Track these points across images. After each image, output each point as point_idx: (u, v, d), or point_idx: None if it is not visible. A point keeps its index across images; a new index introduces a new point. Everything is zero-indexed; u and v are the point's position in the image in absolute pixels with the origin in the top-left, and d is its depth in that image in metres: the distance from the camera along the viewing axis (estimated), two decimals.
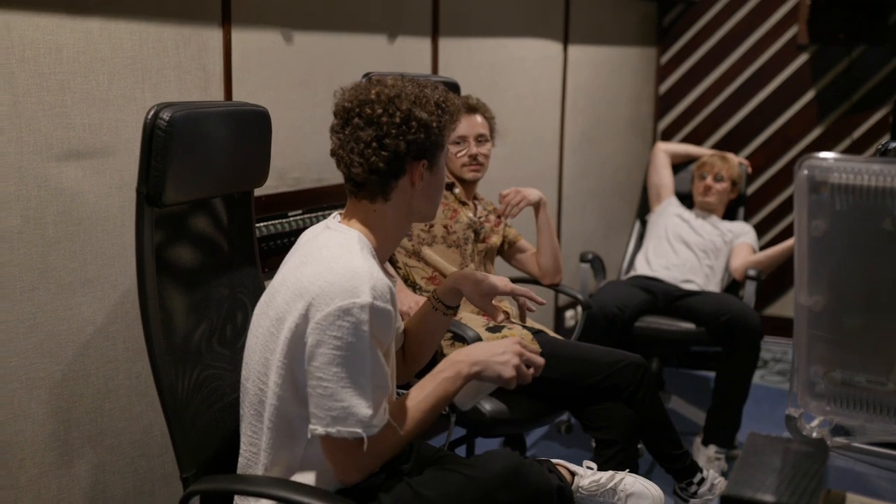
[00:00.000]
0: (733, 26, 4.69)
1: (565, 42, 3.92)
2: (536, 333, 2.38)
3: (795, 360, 1.24)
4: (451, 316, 1.79)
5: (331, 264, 1.43)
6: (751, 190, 4.75)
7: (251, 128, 1.76)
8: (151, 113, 1.48)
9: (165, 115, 1.47)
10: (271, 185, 2.56)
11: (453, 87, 2.71)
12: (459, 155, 2.55)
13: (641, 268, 3.44)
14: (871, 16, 4.35)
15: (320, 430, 1.40)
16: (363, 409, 1.38)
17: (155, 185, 1.47)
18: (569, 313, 4.11)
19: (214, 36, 2.32)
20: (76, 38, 1.99)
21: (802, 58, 4.56)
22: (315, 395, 1.40)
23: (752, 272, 3.28)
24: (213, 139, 1.60)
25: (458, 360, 1.54)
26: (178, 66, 2.23)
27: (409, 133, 1.49)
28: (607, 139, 4.42)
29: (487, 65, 3.41)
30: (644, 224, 3.75)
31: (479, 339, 2.17)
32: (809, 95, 4.58)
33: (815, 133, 4.57)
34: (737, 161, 3.65)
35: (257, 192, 2.47)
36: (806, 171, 1.16)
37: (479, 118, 2.60)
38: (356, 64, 2.72)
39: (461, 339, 2.21)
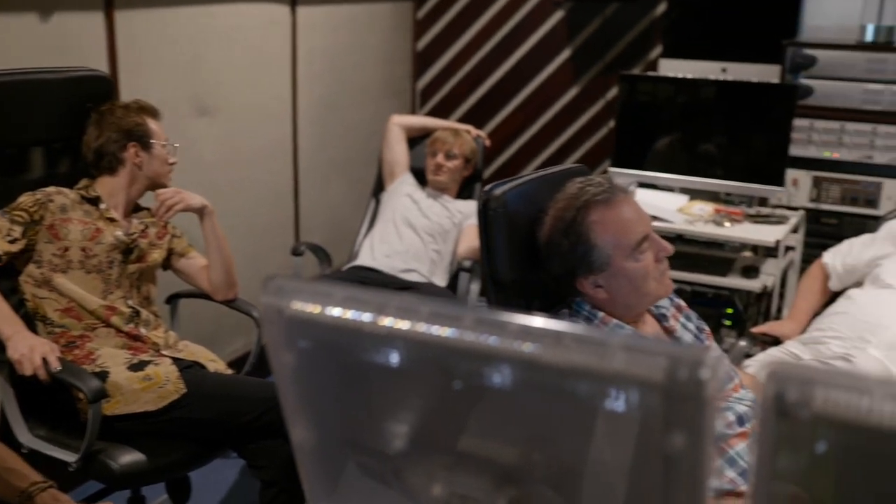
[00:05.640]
0: None
1: (293, 3, 3.60)
2: (188, 368, 2.14)
3: None
4: None
5: None
6: (510, 152, 4.65)
7: None
8: None
9: None
10: None
11: (101, 81, 2.37)
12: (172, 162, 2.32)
13: (364, 256, 3.23)
14: None
15: None
16: None
17: None
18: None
19: None
20: None
21: (558, 15, 4.44)
22: None
23: (466, 263, 3.12)
24: None
25: None
26: None
27: None
28: (355, 104, 4.16)
29: (187, 38, 3.05)
30: (378, 203, 3.53)
31: (101, 391, 1.91)
32: (565, 54, 4.47)
33: (573, 93, 4.49)
34: (471, 135, 3.48)
35: None
36: (271, 295, 0.95)
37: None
38: None
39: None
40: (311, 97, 3.80)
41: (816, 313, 2.55)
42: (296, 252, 3.09)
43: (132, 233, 2.27)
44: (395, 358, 0.90)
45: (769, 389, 0.69)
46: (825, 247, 2.73)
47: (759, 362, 2.33)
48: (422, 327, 0.84)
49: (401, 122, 3.53)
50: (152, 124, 2.30)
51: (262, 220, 3.57)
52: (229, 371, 2.29)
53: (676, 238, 3.20)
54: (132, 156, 2.26)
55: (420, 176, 3.44)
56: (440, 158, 3.35)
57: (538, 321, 0.78)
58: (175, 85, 3.01)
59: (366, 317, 0.88)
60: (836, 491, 0.77)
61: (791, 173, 3.47)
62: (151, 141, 2.28)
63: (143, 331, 2.21)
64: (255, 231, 3.50)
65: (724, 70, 3.78)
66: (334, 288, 0.92)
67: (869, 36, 3.48)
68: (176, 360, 2.14)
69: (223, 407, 2.06)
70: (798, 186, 3.53)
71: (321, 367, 0.96)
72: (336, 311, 0.90)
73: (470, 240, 3.15)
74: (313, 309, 0.92)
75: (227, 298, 2.40)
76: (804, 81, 3.49)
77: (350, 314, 0.90)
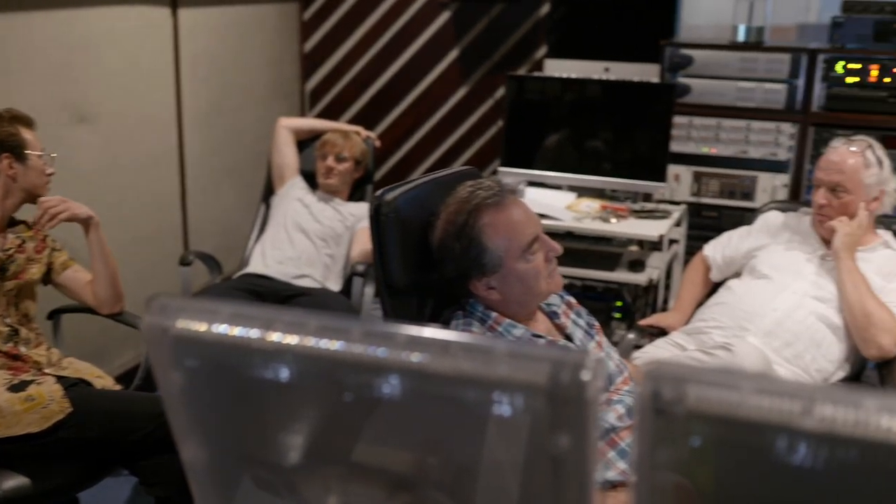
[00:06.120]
0: None
1: (174, 6, 3.51)
2: (73, 385, 2.07)
3: None
4: None
5: None
6: (402, 153, 4.66)
7: None
8: None
9: None
10: None
11: None
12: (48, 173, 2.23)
13: (255, 263, 3.18)
14: None
15: None
16: None
17: None
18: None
19: None
20: None
21: (445, 16, 4.47)
22: None
23: (360, 267, 3.11)
24: None
25: None
26: None
27: None
28: (242, 108, 4.09)
29: (61, 42, 2.94)
30: (269, 208, 3.48)
31: None
32: (453, 54, 4.51)
33: (461, 93, 4.54)
34: (361, 137, 3.46)
35: None
36: (155, 315, 0.93)
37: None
38: None
39: None
40: (196, 101, 3.71)
41: (700, 304, 2.66)
42: (184, 262, 3.01)
43: (8, 248, 2.17)
44: (284, 373, 0.89)
45: (646, 388, 0.72)
46: (706, 239, 2.84)
47: (647, 354, 2.42)
48: (310, 341, 0.84)
49: (289, 125, 3.49)
50: (27, 134, 2.21)
51: (148, 229, 3.47)
52: (117, 386, 2.22)
53: (566, 235, 3.27)
54: (6, 168, 2.17)
55: (310, 179, 3.41)
56: (330, 161, 3.32)
57: (426, 331, 0.79)
58: (50, 92, 2.89)
59: (253, 333, 0.88)
60: (716, 479, 0.80)
61: (673, 169, 3.60)
62: (26, 151, 2.19)
63: (23, 350, 2.12)
64: (142, 241, 3.40)
65: (606, 69, 3.90)
66: (220, 305, 0.91)
67: (741, 36, 3.65)
68: (60, 379, 2.06)
69: (112, 424, 2.00)
70: (679, 181, 3.67)
71: (210, 385, 0.94)
72: (223, 329, 0.89)
73: (363, 243, 3.14)
74: (199, 327, 0.91)
75: (114, 312, 2.33)
76: (682, 80, 3.62)
77: (237, 331, 0.89)
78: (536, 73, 4.00)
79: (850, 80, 3.40)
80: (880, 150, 2.42)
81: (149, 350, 0.94)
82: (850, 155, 2.38)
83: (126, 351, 3.31)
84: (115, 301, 2.32)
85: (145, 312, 0.93)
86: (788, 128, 3.51)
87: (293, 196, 3.33)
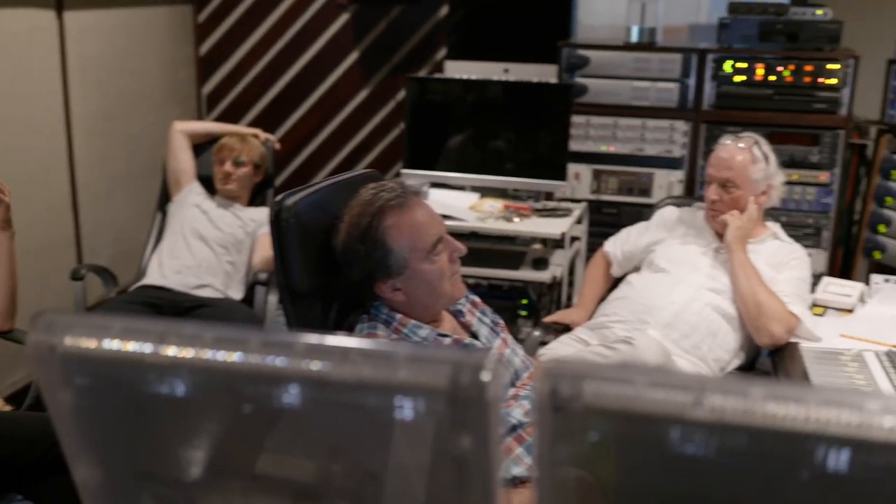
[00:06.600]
0: None
1: (59, 8, 3.38)
2: None
3: None
4: None
5: None
6: (303, 156, 4.61)
7: None
8: None
9: None
10: None
11: None
12: None
13: (152, 274, 3.08)
14: None
15: None
16: None
17: None
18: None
19: None
20: None
21: (344, 17, 4.45)
22: None
23: (262, 276, 3.05)
24: None
25: None
26: None
27: None
28: (136, 113, 3.97)
29: None
30: (165, 216, 3.38)
31: None
32: (354, 56, 4.49)
33: (363, 95, 4.51)
34: (260, 139, 3.40)
35: None
36: (41, 332, 0.89)
37: None
38: None
39: None
40: (86, 107, 3.59)
41: (602, 299, 2.71)
42: (76, 276, 2.89)
43: None
44: (181, 387, 0.87)
45: (544, 386, 0.73)
46: (607, 235, 2.90)
47: (552, 350, 2.45)
48: (207, 354, 0.82)
49: (184, 129, 3.39)
50: None
51: (38, 241, 3.32)
52: (7, 407, 2.13)
53: (470, 235, 3.30)
54: None
55: (208, 184, 3.33)
56: (228, 166, 3.25)
57: (325, 339, 0.78)
58: None
59: (147, 347, 0.85)
60: (617, 472, 0.82)
61: (573, 167, 3.66)
62: None
63: None
64: (32, 254, 3.26)
65: (506, 70, 3.94)
66: (111, 320, 0.87)
67: (634, 37, 3.74)
68: None
69: (2, 447, 1.91)
70: (580, 180, 3.74)
71: (103, 403, 0.91)
72: (114, 344, 0.87)
73: (264, 249, 3.08)
74: (89, 343, 0.88)
75: (3, 329, 2.23)
76: (579, 80, 3.69)
77: (130, 346, 0.86)
78: (437, 75, 4.01)
79: (737, 78, 3.53)
80: (766, 146, 2.52)
81: (36, 369, 0.90)
82: (739, 152, 2.47)
83: (16, 370, 3.17)
84: (8, 317, 2.22)
85: (30, 330, 0.89)
86: (682, 125, 3.62)
87: (191, 202, 3.25)
